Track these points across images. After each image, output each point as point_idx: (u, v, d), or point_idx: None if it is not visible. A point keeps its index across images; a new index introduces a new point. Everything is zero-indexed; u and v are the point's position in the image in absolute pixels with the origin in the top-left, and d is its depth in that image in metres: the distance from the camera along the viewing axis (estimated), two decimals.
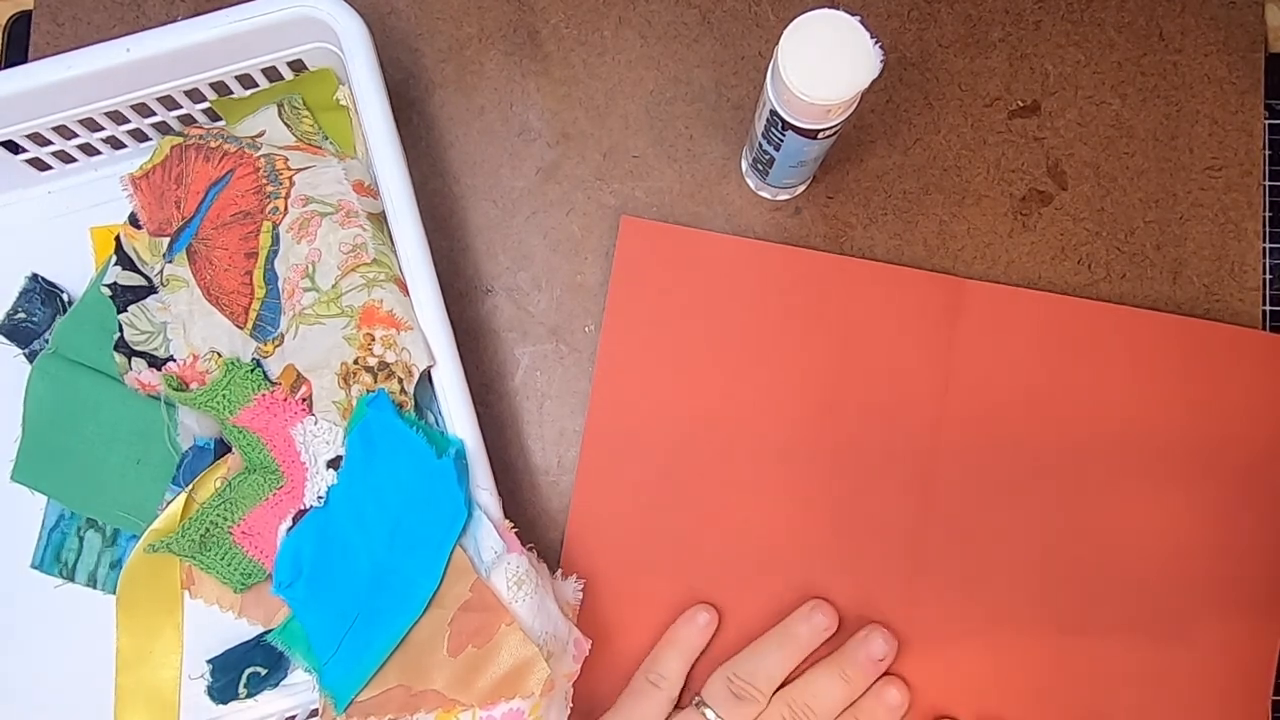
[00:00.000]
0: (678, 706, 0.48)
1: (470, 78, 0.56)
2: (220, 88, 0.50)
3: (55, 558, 0.51)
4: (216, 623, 0.48)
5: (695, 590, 0.50)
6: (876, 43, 0.41)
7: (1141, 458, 0.51)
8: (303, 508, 0.45)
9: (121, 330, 0.49)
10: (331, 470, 0.44)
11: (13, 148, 0.50)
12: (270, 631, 0.46)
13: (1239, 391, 0.51)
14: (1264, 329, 0.53)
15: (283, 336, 0.46)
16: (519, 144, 0.55)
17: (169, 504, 0.47)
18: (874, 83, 0.41)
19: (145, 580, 0.49)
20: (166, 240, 0.50)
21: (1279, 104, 0.56)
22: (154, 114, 0.50)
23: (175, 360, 0.49)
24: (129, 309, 0.50)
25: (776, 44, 0.41)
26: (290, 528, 0.45)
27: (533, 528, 0.52)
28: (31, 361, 0.51)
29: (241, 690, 0.49)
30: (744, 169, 0.54)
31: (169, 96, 0.49)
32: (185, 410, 0.48)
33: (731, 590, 0.50)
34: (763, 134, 0.47)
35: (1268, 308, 0.53)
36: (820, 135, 0.44)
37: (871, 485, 0.51)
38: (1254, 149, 0.54)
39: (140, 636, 0.49)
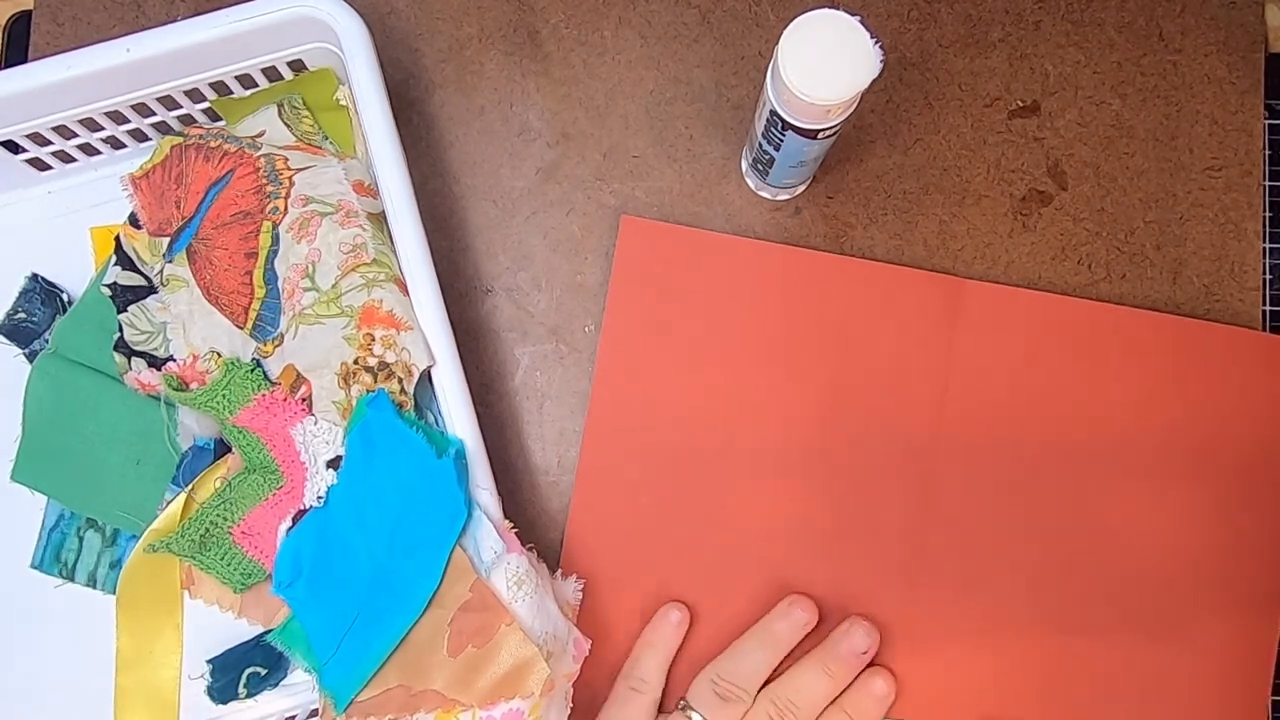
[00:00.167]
0: (661, 710, 0.48)
1: (470, 78, 0.56)
2: (220, 88, 0.50)
3: (55, 558, 0.51)
4: (216, 623, 0.48)
5: (695, 590, 0.50)
6: (876, 43, 0.41)
7: (1140, 457, 0.51)
8: (302, 508, 0.45)
9: (121, 330, 0.49)
10: (331, 470, 0.44)
11: (13, 148, 0.50)
12: (270, 631, 0.46)
13: (1237, 392, 0.51)
14: (1264, 329, 0.53)
15: (282, 336, 0.46)
16: (519, 144, 0.55)
17: (169, 504, 0.47)
18: (874, 83, 0.41)
19: (145, 580, 0.49)
20: (166, 240, 0.50)
21: (1279, 104, 0.56)
22: (154, 114, 0.50)
23: (175, 360, 0.49)
24: (129, 309, 0.50)
25: (776, 44, 0.41)
26: (290, 528, 0.45)
27: (533, 528, 0.52)
28: (31, 361, 0.51)
29: (241, 690, 0.49)
30: (744, 169, 0.54)
31: (169, 96, 0.49)
32: (185, 410, 0.48)
33: (731, 590, 0.50)
34: (763, 134, 0.47)
35: (1268, 308, 0.53)
36: (820, 135, 0.44)
37: (871, 484, 0.51)
38: (1254, 149, 0.54)
39: (140, 636, 0.49)
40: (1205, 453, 0.51)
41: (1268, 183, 0.54)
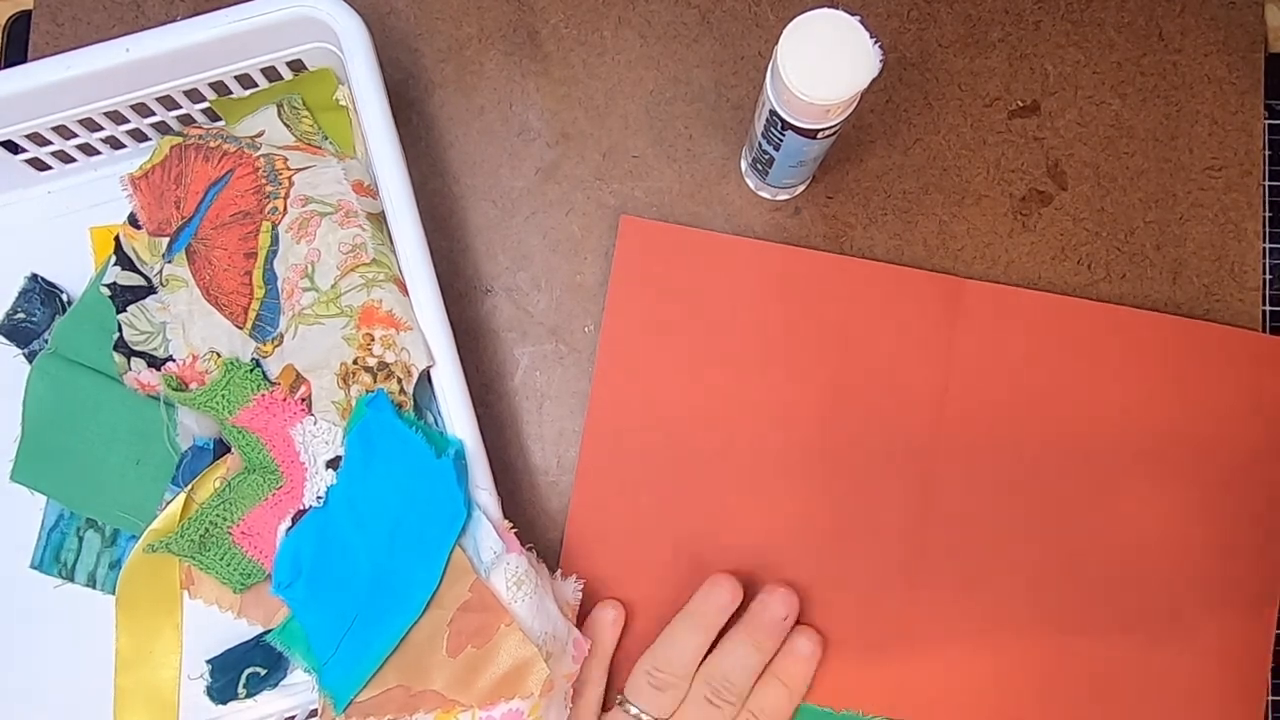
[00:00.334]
0: (604, 708, 0.48)
1: (470, 78, 0.56)
2: (220, 88, 0.50)
3: (55, 558, 0.51)
4: (216, 623, 0.48)
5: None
6: (876, 42, 0.41)
7: (1139, 457, 0.51)
8: (302, 508, 0.45)
9: (121, 330, 0.49)
10: (331, 470, 0.44)
11: (12, 148, 0.50)
12: (270, 632, 0.46)
13: (1236, 392, 0.51)
14: (1264, 329, 0.53)
15: (282, 336, 0.46)
16: (519, 144, 0.55)
17: (168, 504, 0.47)
18: (874, 83, 0.41)
19: (145, 580, 0.49)
20: (166, 240, 0.50)
21: (1279, 104, 0.56)
22: (153, 114, 0.50)
23: (174, 360, 0.49)
24: (128, 309, 0.50)
25: (776, 44, 0.41)
26: (289, 528, 0.45)
27: (532, 528, 0.52)
28: (31, 361, 0.51)
29: (241, 690, 0.49)
30: (744, 169, 0.54)
31: (168, 96, 0.49)
32: (185, 410, 0.48)
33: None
34: (762, 134, 0.47)
35: (1268, 308, 0.53)
36: (820, 135, 0.44)
37: (870, 484, 0.51)
38: (1254, 149, 0.54)
39: (140, 636, 0.49)
40: (1204, 453, 0.51)
41: (1268, 183, 0.54)
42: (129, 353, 0.49)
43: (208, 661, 0.49)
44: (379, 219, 0.47)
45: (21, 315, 0.52)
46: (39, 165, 0.52)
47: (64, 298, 0.52)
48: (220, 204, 0.48)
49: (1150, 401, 0.51)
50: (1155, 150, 0.54)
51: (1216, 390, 0.51)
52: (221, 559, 0.46)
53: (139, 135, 0.52)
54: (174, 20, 0.46)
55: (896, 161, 0.54)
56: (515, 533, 0.44)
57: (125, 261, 0.51)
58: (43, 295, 0.52)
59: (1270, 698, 0.50)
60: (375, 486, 0.43)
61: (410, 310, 0.44)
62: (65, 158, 0.52)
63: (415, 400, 0.44)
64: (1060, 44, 0.55)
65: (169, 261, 0.49)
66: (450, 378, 0.44)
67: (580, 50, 0.56)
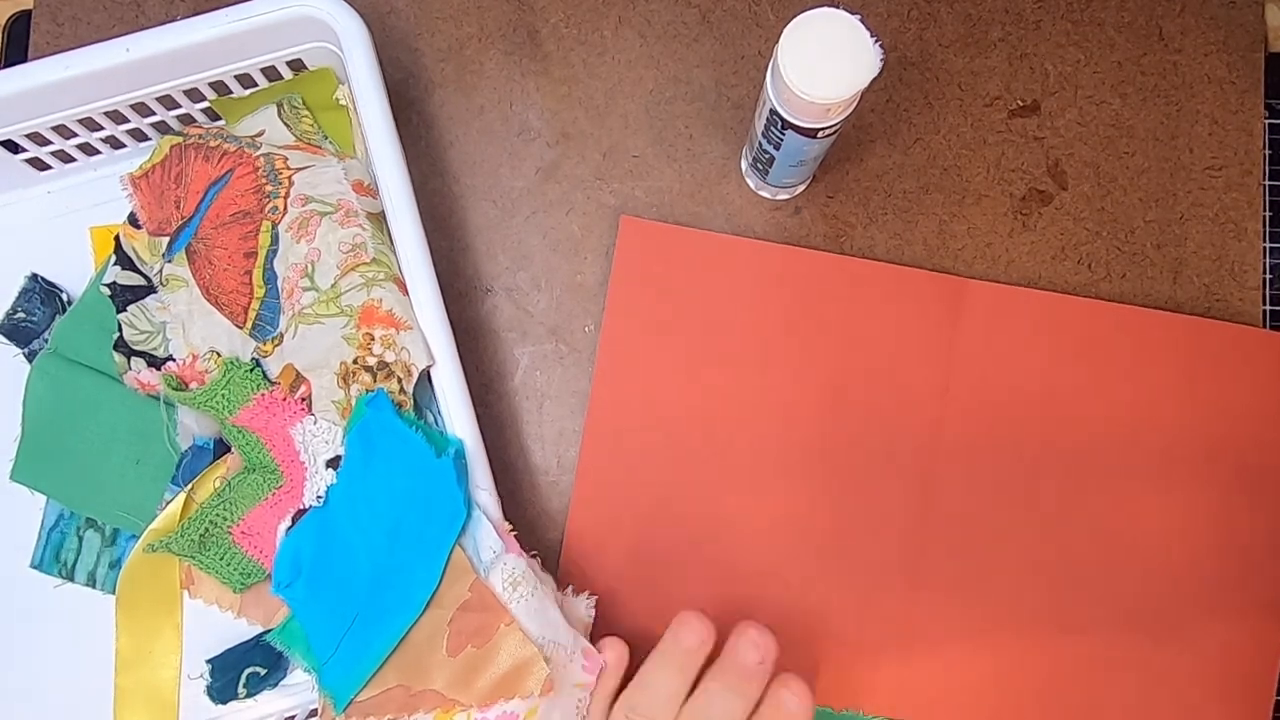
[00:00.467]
0: None
1: (470, 77, 0.56)
2: (220, 87, 0.50)
3: (55, 557, 0.50)
4: (216, 623, 0.48)
5: (694, 589, 0.50)
6: (876, 42, 0.41)
7: (1143, 457, 0.51)
8: (302, 507, 0.45)
9: (121, 330, 0.49)
10: (331, 470, 0.44)
11: (12, 147, 0.50)
12: (270, 631, 0.46)
13: (1240, 390, 0.51)
14: (1264, 329, 0.53)
15: (282, 336, 0.46)
16: (519, 144, 0.55)
17: (168, 504, 0.47)
18: (874, 82, 0.41)
19: (145, 580, 0.49)
20: (166, 240, 0.50)
21: (1279, 104, 0.56)
22: (153, 114, 0.50)
23: (174, 360, 0.49)
24: (128, 309, 0.50)
25: (776, 43, 0.41)
26: (289, 527, 0.45)
27: (533, 528, 0.52)
28: (31, 361, 0.51)
29: (241, 690, 0.49)
30: (744, 169, 0.54)
31: (168, 96, 0.49)
32: (184, 410, 0.48)
33: (730, 589, 0.50)
34: (763, 133, 0.47)
35: (1268, 308, 0.53)
36: (820, 134, 0.44)
37: (871, 484, 0.51)
38: (1254, 149, 0.54)
39: (140, 636, 0.49)
40: (1209, 452, 0.51)
41: (1268, 183, 0.54)
42: (129, 352, 0.49)
43: (208, 661, 0.49)
44: (379, 218, 0.47)
45: (21, 315, 0.52)
46: (39, 165, 0.52)
47: (64, 297, 0.52)
48: (220, 203, 0.48)
49: (1153, 400, 0.51)
50: (1155, 150, 0.54)
51: (1220, 388, 0.51)
52: (221, 559, 0.46)
53: (139, 135, 0.52)
54: (174, 20, 0.46)
55: (896, 161, 0.54)
56: (517, 537, 0.44)
57: (125, 261, 0.51)
58: (43, 295, 0.52)
59: (1278, 698, 0.50)
60: (375, 486, 0.43)
61: (410, 310, 0.44)
62: (65, 157, 0.52)
63: (415, 400, 0.44)
64: (1060, 44, 0.55)
65: (169, 261, 0.49)
66: (450, 377, 0.44)
67: (580, 50, 0.56)
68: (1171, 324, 0.52)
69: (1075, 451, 0.51)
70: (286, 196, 0.47)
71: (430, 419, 0.45)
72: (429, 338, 0.44)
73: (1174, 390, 0.51)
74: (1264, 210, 0.54)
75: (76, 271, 0.52)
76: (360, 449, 0.43)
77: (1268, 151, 0.54)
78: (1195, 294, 0.53)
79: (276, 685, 0.49)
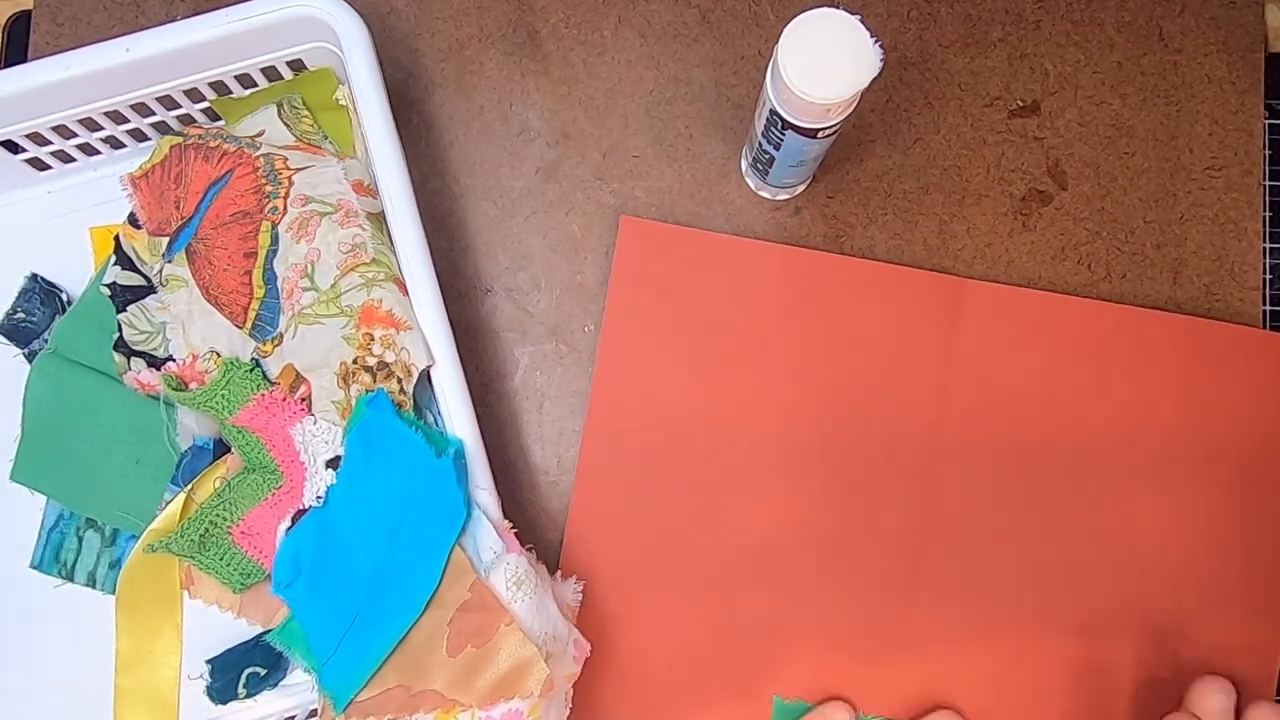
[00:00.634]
0: None
1: (470, 77, 0.56)
2: (219, 87, 0.50)
3: (55, 558, 0.50)
4: (216, 623, 0.48)
5: (694, 589, 0.50)
6: (876, 42, 0.41)
7: (1142, 456, 0.51)
8: (302, 507, 0.45)
9: (121, 330, 0.49)
10: (330, 470, 0.44)
11: (12, 148, 0.50)
12: (269, 631, 0.46)
13: (1240, 390, 0.51)
14: (1264, 329, 0.53)
15: (282, 336, 0.46)
16: (519, 144, 0.55)
17: (168, 504, 0.47)
18: (874, 82, 0.41)
19: (145, 580, 0.49)
20: (166, 240, 0.50)
21: (1279, 104, 0.56)
22: (153, 114, 0.50)
23: (174, 360, 0.49)
24: (128, 309, 0.50)
25: (776, 43, 0.41)
26: (289, 527, 0.45)
27: (532, 528, 0.52)
28: (31, 361, 0.51)
29: (241, 690, 0.49)
30: (744, 169, 0.54)
31: (168, 96, 0.49)
32: (184, 410, 0.48)
33: (730, 589, 0.50)
34: (763, 133, 0.47)
35: (1268, 308, 0.53)
36: (820, 134, 0.44)
37: (871, 484, 0.51)
38: (1254, 149, 0.54)
39: (140, 636, 0.49)
40: (1208, 452, 0.51)
41: (1268, 183, 0.54)
42: (129, 352, 0.49)
43: (208, 661, 0.49)
44: (379, 219, 0.47)
45: (21, 315, 0.52)
46: (39, 165, 0.52)
47: (64, 298, 0.52)
48: (220, 204, 0.48)
49: (1153, 401, 0.51)
50: (1155, 150, 0.54)
51: (1219, 388, 0.51)
52: (221, 559, 0.46)
53: (139, 135, 0.52)
54: (174, 20, 0.46)
55: (896, 161, 0.54)
56: (515, 533, 0.44)
57: (125, 261, 0.51)
58: (43, 295, 0.52)
59: (1278, 698, 0.50)
60: (375, 486, 0.43)
61: (410, 310, 0.44)
62: (65, 158, 0.52)
63: (415, 400, 0.44)
64: (1060, 44, 0.55)
65: (169, 261, 0.49)
66: (450, 377, 0.44)
67: (580, 50, 0.56)
68: (1171, 324, 0.52)
69: (1075, 451, 0.51)
70: (286, 197, 0.47)
71: (430, 419, 0.45)
72: (429, 338, 0.44)
73: (1173, 390, 0.51)
74: (1264, 210, 0.54)
75: (76, 271, 0.52)
76: (360, 449, 0.43)
77: (1268, 151, 0.54)
78: (1195, 294, 0.53)
79: (276, 685, 0.49)
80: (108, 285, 0.50)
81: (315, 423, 0.44)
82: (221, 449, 0.48)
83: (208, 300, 0.48)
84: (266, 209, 0.47)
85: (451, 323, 0.45)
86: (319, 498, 0.44)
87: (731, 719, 0.50)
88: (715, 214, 0.54)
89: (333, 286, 0.45)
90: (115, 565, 0.50)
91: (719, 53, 0.56)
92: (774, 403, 0.51)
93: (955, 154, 0.54)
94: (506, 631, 0.41)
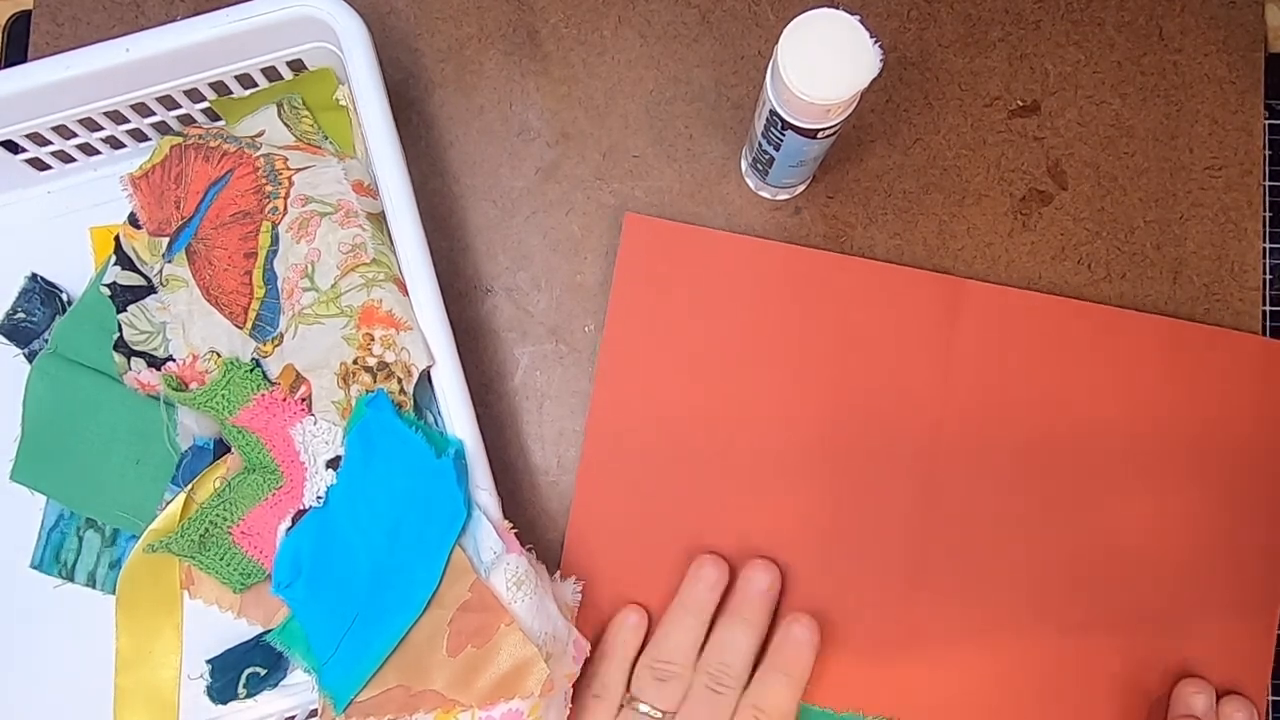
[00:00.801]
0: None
1: (470, 77, 0.56)
2: (220, 87, 0.50)
3: (55, 558, 0.51)
4: (216, 623, 0.48)
5: None
6: (876, 42, 0.41)
7: (1142, 458, 0.51)
8: (302, 508, 0.45)
9: (121, 330, 0.49)
10: (331, 470, 0.44)
11: (12, 148, 0.50)
12: (270, 631, 0.46)
13: (1239, 394, 0.51)
14: (1264, 329, 0.53)
15: (282, 336, 0.46)
16: (518, 144, 0.55)
17: (168, 504, 0.47)
18: (874, 82, 0.41)
19: (145, 580, 0.49)
20: (166, 240, 0.50)
21: (1279, 104, 0.56)
22: (153, 114, 0.50)
23: (174, 360, 0.49)
24: (128, 309, 0.50)
25: (776, 43, 0.41)
26: (289, 528, 0.45)
27: (532, 528, 0.52)
28: (31, 361, 0.51)
29: (241, 690, 0.49)
30: (744, 169, 0.54)
31: (168, 96, 0.49)
32: (184, 410, 0.48)
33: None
34: (762, 133, 0.47)
35: (1268, 308, 0.53)
36: (820, 135, 0.44)
37: (871, 484, 0.51)
38: (1254, 149, 0.54)
39: (140, 636, 0.49)
40: (1206, 453, 0.51)
41: (1268, 183, 0.54)
42: (129, 353, 0.49)
43: (208, 661, 0.49)
44: (379, 219, 0.47)
45: (21, 315, 0.52)
46: (39, 165, 0.52)
47: (64, 298, 0.52)
48: (220, 204, 0.48)
49: (1150, 402, 0.51)
50: (1155, 150, 0.54)
51: (1218, 392, 0.51)
52: (221, 559, 0.46)
53: (139, 135, 0.52)
54: (174, 20, 0.46)
55: (896, 161, 0.54)
56: (515, 533, 0.44)
57: (125, 261, 0.51)
58: (43, 295, 0.52)
59: (1270, 698, 0.50)
60: (375, 486, 0.43)
61: (410, 310, 0.44)
62: (65, 158, 0.52)
63: (415, 400, 0.44)
64: (1060, 44, 0.55)
65: (169, 261, 0.49)
66: (450, 378, 0.44)
67: (580, 50, 0.56)
68: (1169, 328, 0.52)
69: (1074, 452, 0.51)
70: (286, 197, 0.47)
71: (430, 419, 0.45)
72: (429, 338, 0.44)
73: (1172, 393, 0.51)
74: (1264, 210, 0.54)
75: (76, 271, 0.52)
76: (360, 449, 0.43)
77: (1268, 151, 0.54)
78: (1195, 294, 0.53)
79: (276, 685, 0.49)
80: (108, 285, 0.50)
81: (315, 423, 0.44)
82: (221, 449, 0.48)
83: (208, 300, 0.48)
84: (267, 209, 0.47)
85: (451, 323, 0.45)
86: (319, 498, 0.44)
87: None
88: (715, 214, 0.54)
89: (333, 286, 0.45)
90: (115, 565, 0.50)
91: (719, 53, 0.56)
92: (775, 402, 0.51)
93: (955, 154, 0.54)
94: (506, 631, 0.41)
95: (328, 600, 0.44)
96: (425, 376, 0.44)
